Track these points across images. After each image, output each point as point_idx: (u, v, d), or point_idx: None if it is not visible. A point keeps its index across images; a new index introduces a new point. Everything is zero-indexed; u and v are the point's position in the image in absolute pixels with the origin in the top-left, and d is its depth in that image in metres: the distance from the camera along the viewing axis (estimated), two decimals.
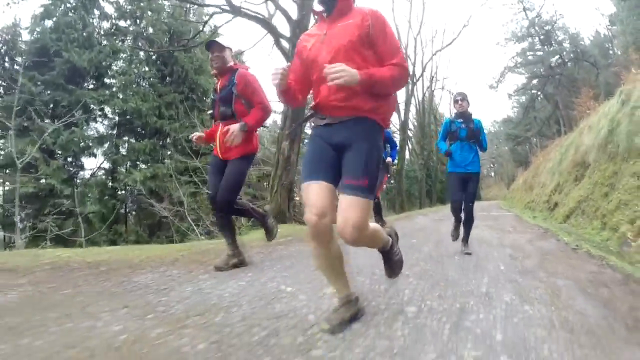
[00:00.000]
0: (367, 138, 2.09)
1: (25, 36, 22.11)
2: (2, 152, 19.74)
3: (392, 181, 25.24)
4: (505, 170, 54.22)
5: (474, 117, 4.97)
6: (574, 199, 9.42)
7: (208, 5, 11.54)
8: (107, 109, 20.92)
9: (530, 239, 5.99)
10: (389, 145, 6.95)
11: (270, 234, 4.18)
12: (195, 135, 3.88)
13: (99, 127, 20.92)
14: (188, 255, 4.14)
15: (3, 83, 21.71)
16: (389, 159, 6.89)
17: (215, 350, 1.74)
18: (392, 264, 2.45)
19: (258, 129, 3.77)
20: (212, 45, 3.74)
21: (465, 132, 4.88)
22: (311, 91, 2.35)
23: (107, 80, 21.64)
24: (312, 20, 9.48)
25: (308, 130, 17.74)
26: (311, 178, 2.10)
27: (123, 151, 20.29)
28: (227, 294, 2.68)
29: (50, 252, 4.06)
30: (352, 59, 2.02)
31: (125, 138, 20.98)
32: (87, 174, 20.31)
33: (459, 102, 4.95)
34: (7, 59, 22.29)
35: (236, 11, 9.68)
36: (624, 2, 24.20)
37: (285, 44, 10.13)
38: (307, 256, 3.87)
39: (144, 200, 17.34)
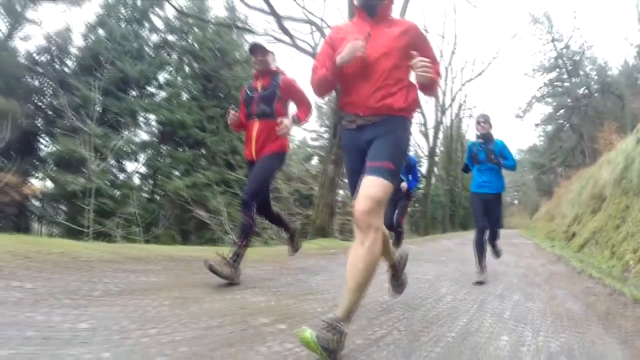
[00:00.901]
0: (395, 130, 2.21)
1: (77, 42, 23.65)
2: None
3: (416, 204, 25.96)
4: (529, 199, 53.95)
5: (496, 138, 5.08)
6: (589, 229, 10.02)
7: (258, 34, 12.74)
8: (151, 117, 22.15)
9: (543, 263, 6.87)
10: (410, 175, 6.95)
11: (294, 248, 4.33)
12: (232, 111, 3.84)
13: (143, 134, 22.24)
14: (265, 258, 5.12)
15: (52, 84, 23.42)
16: (404, 184, 6.77)
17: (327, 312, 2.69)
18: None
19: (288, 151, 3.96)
20: (255, 48, 3.86)
21: (485, 154, 4.98)
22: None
23: (151, 90, 23.19)
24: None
25: None
26: (354, 194, 2.17)
27: (165, 159, 21.51)
28: (314, 284, 3.68)
29: (157, 247, 5.08)
30: (397, 62, 2.17)
31: (167, 147, 22.19)
32: (130, 177, 21.58)
33: (481, 124, 5.07)
34: (57, 61, 23.78)
35: (286, 39, 10.87)
36: None
37: None
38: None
39: (184, 206, 18.60)
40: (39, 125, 22.44)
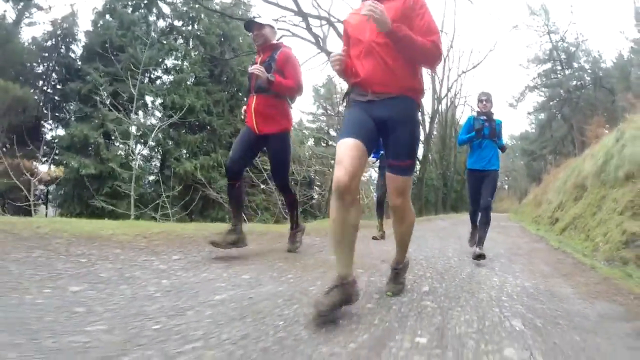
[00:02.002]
0: (410, 119, 2.30)
1: (85, 28, 24.33)
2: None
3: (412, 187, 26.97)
4: (519, 184, 54.98)
5: (495, 117, 5.15)
6: (570, 215, 11.05)
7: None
8: (158, 102, 23.02)
9: (527, 241, 8.09)
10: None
11: (293, 245, 4.15)
12: (245, 108, 3.91)
13: (153, 120, 22.97)
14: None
15: (57, 68, 23.88)
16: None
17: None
18: (399, 284, 2.76)
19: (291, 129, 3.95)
20: (250, 25, 3.83)
21: (489, 130, 5.03)
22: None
23: (160, 75, 23.99)
24: None
25: None
26: (348, 135, 2.19)
27: (174, 143, 22.33)
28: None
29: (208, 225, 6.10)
30: None
31: (176, 130, 22.96)
32: (142, 160, 22.38)
33: (483, 102, 5.11)
34: (63, 47, 24.48)
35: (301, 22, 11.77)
36: None
37: None
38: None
39: (191, 187, 19.51)
40: (45, 110, 22.98)
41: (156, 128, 12.68)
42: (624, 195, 7.59)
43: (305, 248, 4.32)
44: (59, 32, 24.25)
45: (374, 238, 6.06)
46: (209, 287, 2.52)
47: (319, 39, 12.87)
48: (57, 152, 20.30)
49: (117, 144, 20.81)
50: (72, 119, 20.91)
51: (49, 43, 24.19)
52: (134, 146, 18.28)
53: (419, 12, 2.26)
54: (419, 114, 2.50)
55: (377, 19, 2.09)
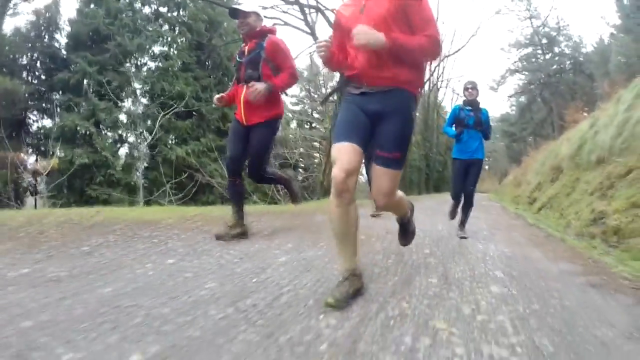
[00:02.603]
0: (403, 111, 2.24)
1: (67, 15, 24.25)
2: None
3: None
4: (499, 165, 56.00)
5: (481, 106, 5.19)
6: (547, 195, 11.76)
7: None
8: (146, 89, 22.90)
9: (506, 219, 8.89)
10: None
11: (296, 198, 4.32)
12: (217, 96, 3.87)
13: (141, 107, 22.90)
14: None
15: (42, 58, 23.45)
16: None
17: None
18: (408, 234, 2.91)
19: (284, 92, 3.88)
20: (235, 13, 3.76)
21: (473, 120, 5.07)
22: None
23: (147, 62, 23.96)
24: None
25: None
26: (344, 139, 2.19)
27: (164, 129, 22.47)
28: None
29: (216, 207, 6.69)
30: (391, 30, 2.11)
31: (166, 117, 23.14)
32: (132, 147, 22.60)
33: (469, 90, 5.15)
34: (46, 37, 24.04)
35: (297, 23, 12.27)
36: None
37: None
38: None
39: (182, 172, 19.91)
40: (31, 102, 22.80)
41: (160, 116, 12.95)
42: (594, 178, 8.21)
43: (321, 224, 4.95)
44: (41, 21, 23.86)
45: (373, 215, 6.32)
46: (269, 253, 3.25)
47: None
48: (49, 143, 20.45)
49: (107, 132, 20.94)
50: (61, 109, 20.91)
51: (33, 33, 23.79)
52: (140, 133, 18.53)
53: (415, 7, 2.18)
54: (416, 108, 2.39)
55: (370, 44, 2.06)
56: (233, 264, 2.82)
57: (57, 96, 22.45)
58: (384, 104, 2.22)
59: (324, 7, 12.46)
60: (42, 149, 21.91)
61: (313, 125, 35.67)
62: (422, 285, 2.57)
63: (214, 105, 4.11)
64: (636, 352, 1.72)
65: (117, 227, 3.57)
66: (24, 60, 23.69)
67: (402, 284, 2.55)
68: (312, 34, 12.53)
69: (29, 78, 23.59)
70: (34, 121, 23.97)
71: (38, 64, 23.97)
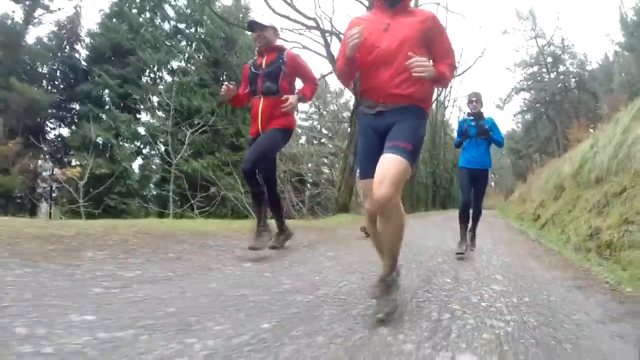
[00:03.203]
0: (414, 118, 2.29)
1: (87, 27, 25.06)
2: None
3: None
4: (505, 182, 56.31)
5: (486, 115, 5.28)
6: (550, 212, 12.23)
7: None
8: (161, 102, 23.30)
9: (509, 234, 9.52)
10: None
11: (278, 243, 4.14)
12: (227, 84, 3.83)
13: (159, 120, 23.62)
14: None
15: (62, 69, 24.42)
16: None
17: None
18: (391, 299, 2.25)
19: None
20: (253, 25, 3.82)
21: (475, 130, 5.16)
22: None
23: (166, 77, 25.00)
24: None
25: None
26: (366, 175, 2.31)
27: (181, 143, 23.18)
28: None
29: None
30: (414, 52, 2.17)
31: (183, 131, 23.83)
32: (149, 159, 23.47)
33: (473, 102, 5.25)
34: (67, 48, 25.05)
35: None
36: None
37: None
38: None
39: (197, 186, 20.55)
40: (51, 111, 23.65)
41: (188, 133, 13.56)
42: (593, 196, 8.64)
43: (347, 236, 5.64)
44: (63, 32, 24.86)
45: (363, 231, 6.04)
46: (316, 259, 3.99)
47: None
48: (69, 152, 21.21)
49: (126, 144, 21.74)
50: (83, 119, 21.64)
51: (53, 43, 24.74)
52: (165, 146, 18.64)
53: (438, 35, 2.33)
54: (426, 119, 2.48)
55: (427, 75, 2.15)
56: (294, 267, 3.50)
57: (76, 106, 23.43)
58: (397, 118, 2.28)
59: (340, 32, 13.15)
60: (59, 156, 22.70)
61: (322, 141, 36.35)
62: (440, 283, 3.30)
63: (221, 94, 3.86)
64: (602, 330, 2.34)
65: (184, 237, 4.16)
66: (45, 70, 24.57)
67: (425, 282, 3.26)
68: (331, 60, 13.22)
69: (49, 87, 24.45)
70: (51, 129, 24.96)
71: (58, 74, 24.87)
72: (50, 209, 23.65)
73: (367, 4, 12.77)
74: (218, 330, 1.84)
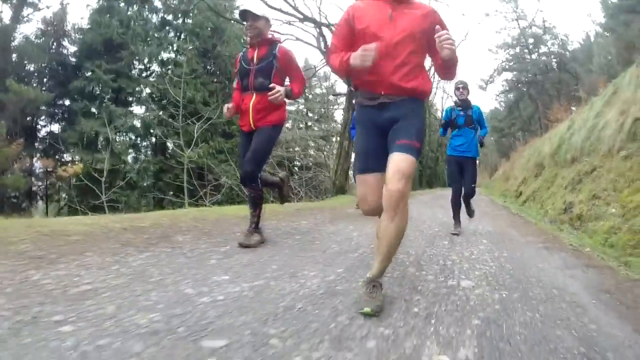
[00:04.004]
0: (417, 115, 2.32)
1: (73, 22, 24.70)
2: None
3: None
4: (490, 160, 57.24)
5: (473, 103, 5.40)
6: (531, 189, 12.86)
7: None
8: (156, 95, 24.01)
9: (493, 209, 10.48)
10: None
11: (284, 200, 4.45)
12: (228, 106, 3.76)
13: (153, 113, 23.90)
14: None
15: (51, 66, 24.08)
16: None
17: None
18: (378, 297, 2.16)
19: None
20: (245, 14, 3.67)
21: (463, 120, 5.28)
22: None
23: (156, 69, 25.28)
24: None
25: None
26: (366, 170, 2.34)
27: (176, 133, 23.61)
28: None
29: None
30: (417, 45, 2.24)
31: (177, 122, 24.22)
32: (146, 151, 23.97)
33: (460, 89, 5.34)
34: (55, 44, 24.88)
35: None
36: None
37: None
38: None
39: (192, 175, 20.94)
40: (43, 108, 23.50)
41: (196, 128, 14.10)
42: (568, 174, 9.41)
43: (356, 214, 6.53)
44: (50, 29, 24.70)
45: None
46: (344, 231, 4.88)
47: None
48: (63, 149, 21.48)
49: (122, 138, 22.23)
50: (78, 116, 21.87)
51: (42, 40, 24.47)
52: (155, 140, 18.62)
53: (441, 28, 2.21)
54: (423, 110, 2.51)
55: (452, 51, 2.15)
56: (332, 237, 4.37)
57: (68, 102, 23.56)
58: (399, 112, 2.27)
59: (331, 24, 13.87)
60: (51, 152, 22.79)
61: (308, 124, 36.89)
62: (440, 244, 4.28)
63: (224, 118, 4.07)
64: (559, 273, 3.24)
65: (235, 220, 4.97)
66: (32, 68, 24.43)
67: (428, 244, 4.25)
68: (325, 53, 13.86)
69: (38, 85, 24.18)
70: (42, 127, 24.98)
71: (47, 71, 24.73)
72: (47, 206, 23.85)
73: None
74: (313, 274, 2.72)
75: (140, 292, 2.13)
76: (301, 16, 13.88)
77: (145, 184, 21.58)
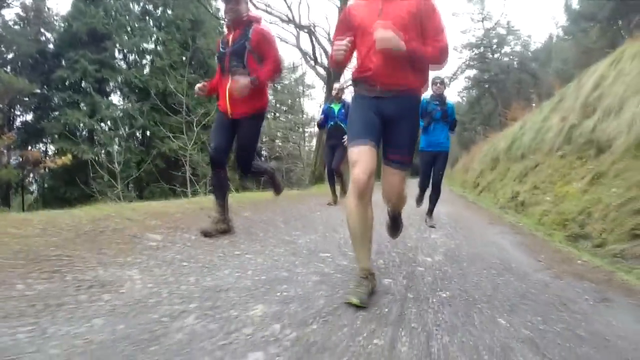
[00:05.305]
0: (414, 116, 2.39)
1: (54, 10, 24.28)
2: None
3: None
4: (451, 152, 58.03)
5: (447, 100, 5.46)
6: (487, 181, 13.99)
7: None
8: (138, 86, 24.19)
9: (452, 197, 12.16)
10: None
11: (278, 189, 4.37)
12: (199, 85, 3.66)
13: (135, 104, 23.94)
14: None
15: (30, 54, 23.59)
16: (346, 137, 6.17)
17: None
18: (398, 227, 3.01)
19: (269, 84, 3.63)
20: None
21: (440, 114, 5.34)
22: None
23: (138, 59, 25.61)
24: None
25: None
26: (360, 139, 2.27)
27: (157, 124, 23.89)
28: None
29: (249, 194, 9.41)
30: (414, 32, 2.24)
31: (159, 113, 24.36)
32: (128, 142, 23.96)
33: (437, 84, 5.37)
34: (32, 33, 24.29)
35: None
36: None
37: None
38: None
39: (171, 165, 21.54)
40: (25, 99, 23.02)
41: (196, 120, 14.76)
42: (518, 168, 10.60)
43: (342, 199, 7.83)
44: (28, 15, 24.38)
45: (329, 204, 7.10)
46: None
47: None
48: (50, 139, 21.68)
49: (106, 128, 22.46)
50: (61, 106, 22.07)
51: (18, 27, 24.21)
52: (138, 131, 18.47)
53: (431, 16, 2.29)
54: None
55: (394, 47, 2.14)
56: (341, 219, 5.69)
57: (47, 92, 23.38)
58: (397, 109, 2.31)
59: (315, 27, 15.08)
60: (27, 143, 22.66)
61: (277, 115, 37.16)
62: (416, 226, 5.33)
63: (195, 95, 3.84)
64: (498, 237, 4.87)
65: (248, 205, 6.27)
66: (11, 55, 23.90)
67: (406, 227, 5.21)
68: (314, 58, 15.22)
69: (17, 73, 23.36)
70: (17, 116, 24.62)
71: (27, 59, 24.19)
72: (23, 200, 23.63)
73: (338, 3, 14.72)
74: (343, 257, 3.29)
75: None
76: (287, 19, 14.94)
77: (131, 175, 21.64)
